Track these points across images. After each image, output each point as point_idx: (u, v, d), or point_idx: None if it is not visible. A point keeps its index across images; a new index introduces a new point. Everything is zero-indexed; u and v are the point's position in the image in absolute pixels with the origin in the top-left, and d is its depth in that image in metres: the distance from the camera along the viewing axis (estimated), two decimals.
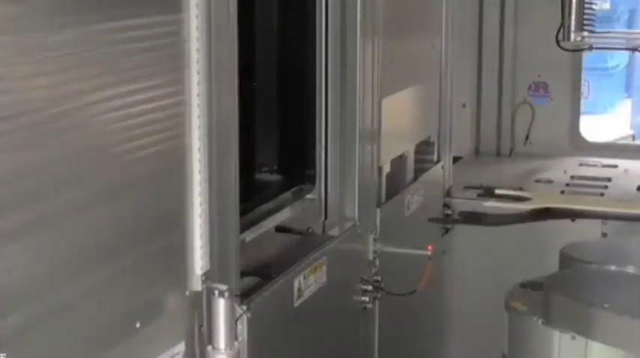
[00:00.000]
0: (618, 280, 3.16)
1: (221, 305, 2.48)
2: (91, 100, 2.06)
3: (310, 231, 3.32)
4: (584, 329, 2.89)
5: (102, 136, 2.11)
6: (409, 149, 4.18)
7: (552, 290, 3.03)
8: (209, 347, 2.50)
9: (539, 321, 3.02)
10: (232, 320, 2.52)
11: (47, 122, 1.93)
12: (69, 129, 2.00)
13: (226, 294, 2.48)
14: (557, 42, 4.78)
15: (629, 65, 9.69)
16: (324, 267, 3.12)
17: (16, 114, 1.84)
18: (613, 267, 3.21)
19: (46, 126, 1.93)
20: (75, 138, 2.02)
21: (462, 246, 4.57)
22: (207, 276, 2.48)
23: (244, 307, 2.58)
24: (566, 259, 3.36)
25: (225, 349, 2.50)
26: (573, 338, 2.92)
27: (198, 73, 2.41)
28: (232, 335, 2.52)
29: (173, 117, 2.37)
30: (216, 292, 2.47)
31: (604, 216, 4.32)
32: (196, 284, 2.47)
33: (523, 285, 3.31)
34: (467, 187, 4.68)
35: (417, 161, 4.26)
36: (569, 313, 2.95)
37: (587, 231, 4.31)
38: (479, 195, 4.53)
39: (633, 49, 5.16)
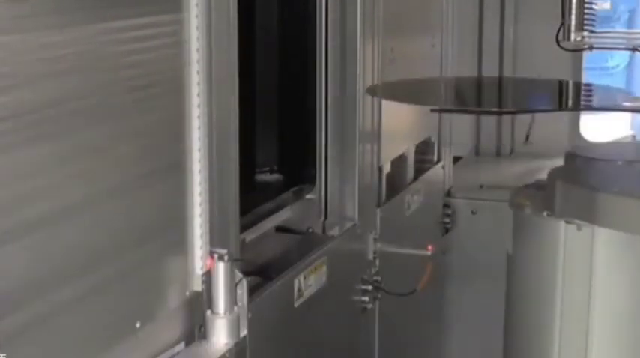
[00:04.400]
0: (625, 171, 3.08)
1: (220, 270, 2.45)
2: (91, 101, 2.06)
3: (310, 231, 3.32)
4: (590, 215, 2.78)
5: (102, 136, 2.11)
6: (409, 149, 4.18)
7: (557, 179, 2.93)
8: (208, 312, 2.48)
9: (545, 213, 2.92)
10: (232, 285, 2.49)
11: (47, 122, 1.93)
12: (69, 129, 2.00)
13: (226, 258, 2.46)
14: (557, 42, 4.78)
15: (629, 65, 9.67)
16: (324, 267, 3.12)
17: (16, 114, 1.84)
18: (620, 162, 3.15)
19: (46, 126, 1.93)
20: (75, 138, 2.02)
21: (462, 246, 4.57)
22: (207, 277, 2.48)
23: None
24: (571, 157, 3.32)
25: (225, 313, 2.47)
26: (579, 229, 2.82)
27: (198, 73, 2.41)
28: (232, 300, 2.50)
29: (173, 140, 2.37)
30: (216, 256, 2.46)
31: None
32: (196, 284, 2.47)
33: (527, 186, 3.26)
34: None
35: (417, 161, 4.26)
36: (574, 200, 2.85)
37: None
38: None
39: (633, 49, 5.16)
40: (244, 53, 2.65)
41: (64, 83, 1.97)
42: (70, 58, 1.98)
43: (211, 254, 2.46)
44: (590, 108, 4.47)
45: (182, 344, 2.44)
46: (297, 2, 3.38)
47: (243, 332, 2.53)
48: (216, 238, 2.51)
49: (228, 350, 2.46)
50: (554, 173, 3.04)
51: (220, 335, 2.47)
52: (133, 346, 2.24)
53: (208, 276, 2.47)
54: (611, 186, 2.87)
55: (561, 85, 4.39)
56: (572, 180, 2.94)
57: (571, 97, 4.21)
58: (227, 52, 2.53)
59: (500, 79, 4.95)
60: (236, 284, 2.52)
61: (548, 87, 4.12)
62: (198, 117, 2.43)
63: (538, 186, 3.19)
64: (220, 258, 2.45)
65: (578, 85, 4.42)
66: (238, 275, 2.54)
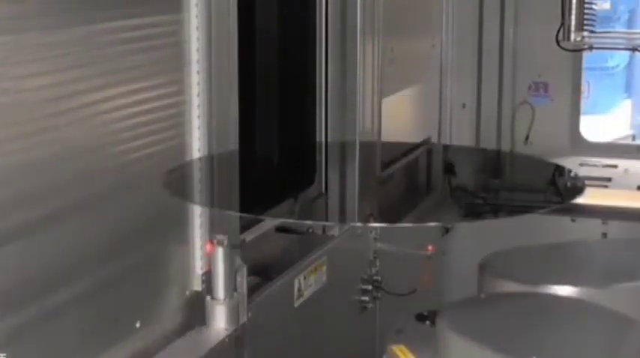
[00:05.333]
0: (527, 309, 2.70)
1: (219, 255, 2.46)
2: (91, 100, 2.05)
3: (310, 231, 3.32)
4: None
5: (102, 136, 2.11)
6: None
7: (443, 320, 2.54)
8: (207, 298, 2.48)
9: None
10: (232, 270, 2.49)
11: (46, 122, 1.93)
12: (68, 129, 2.00)
13: (225, 242, 2.46)
14: (557, 42, 4.78)
15: (629, 65, 9.66)
16: (324, 267, 3.12)
17: (15, 114, 1.84)
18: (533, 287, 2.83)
19: (45, 126, 1.93)
20: (75, 137, 2.02)
21: (462, 246, 4.56)
22: (207, 276, 2.48)
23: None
24: (484, 273, 3.07)
25: (225, 299, 2.48)
26: None
27: (198, 73, 2.41)
28: (231, 286, 2.49)
29: (173, 117, 2.37)
30: (216, 241, 2.45)
31: (604, 216, 4.33)
32: (196, 284, 2.47)
33: (419, 317, 2.88)
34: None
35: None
36: (457, 353, 2.44)
37: (587, 231, 4.31)
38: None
39: (633, 49, 5.15)
40: (244, 53, 2.65)
41: (64, 82, 1.97)
42: (70, 58, 1.98)
43: (211, 239, 2.45)
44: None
45: None
46: (297, 2, 3.38)
47: (243, 318, 2.54)
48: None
49: (228, 336, 2.46)
50: (446, 312, 2.60)
51: (220, 320, 2.47)
52: (133, 346, 2.24)
53: (208, 276, 2.47)
54: (500, 338, 2.42)
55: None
56: (460, 325, 2.50)
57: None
58: (227, 52, 2.53)
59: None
60: (236, 271, 2.52)
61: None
62: (198, 117, 2.43)
63: (428, 318, 2.77)
64: (220, 243, 2.44)
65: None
66: (238, 261, 2.53)
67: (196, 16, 2.39)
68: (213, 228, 2.48)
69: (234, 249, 2.51)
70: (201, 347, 2.40)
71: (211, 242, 2.45)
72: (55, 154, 1.96)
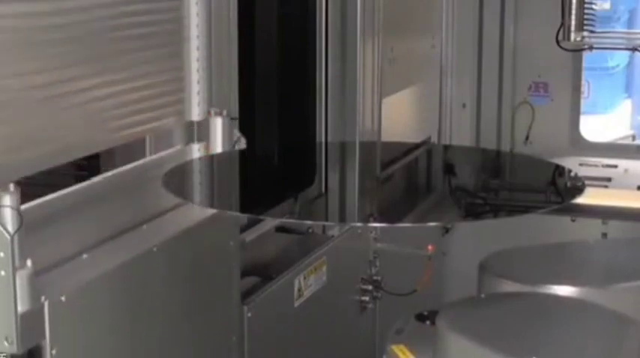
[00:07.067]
0: (535, 309, 2.70)
1: (218, 124, 2.47)
2: (89, 85, 2.04)
3: (310, 231, 3.32)
4: None
5: (101, 124, 2.10)
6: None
7: (443, 320, 2.53)
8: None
9: None
10: (230, 142, 2.50)
11: (46, 103, 1.91)
12: (68, 115, 1.98)
13: (224, 113, 2.46)
14: (557, 42, 4.78)
15: (629, 65, 9.66)
16: (324, 267, 3.12)
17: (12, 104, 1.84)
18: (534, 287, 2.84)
19: (45, 110, 1.91)
20: (71, 117, 2.00)
21: (462, 246, 4.56)
22: None
23: None
24: (483, 270, 3.07)
25: None
26: None
27: (198, 72, 2.41)
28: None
29: (173, 116, 2.37)
30: (213, 111, 2.46)
31: (604, 216, 4.34)
32: None
33: (419, 317, 2.88)
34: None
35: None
36: (456, 352, 2.43)
37: (587, 231, 4.31)
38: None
39: (633, 49, 5.15)
40: (244, 53, 2.65)
41: (64, 52, 1.95)
42: (69, 29, 1.96)
43: (209, 111, 2.45)
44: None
45: None
46: (297, 2, 3.38)
47: None
48: None
49: None
50: (446, 312, 2.60)
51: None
52: None
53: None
54: (500, 338, 2.42)
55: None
56: (459, 325, 2.49)
57: None
58: (227, 52, 2.53)
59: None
60: (234, 144, 2.52)
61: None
62: (198, 94, 2.42)
63: (428, 318, 2.77)
64: (218, 113, 2.45)
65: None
66: (236, 134, 2.53)
67: (197, 15, 2.39)
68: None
69: (233, 120, 2.51)
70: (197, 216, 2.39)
71: (209, 113, 2.45)
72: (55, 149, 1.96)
